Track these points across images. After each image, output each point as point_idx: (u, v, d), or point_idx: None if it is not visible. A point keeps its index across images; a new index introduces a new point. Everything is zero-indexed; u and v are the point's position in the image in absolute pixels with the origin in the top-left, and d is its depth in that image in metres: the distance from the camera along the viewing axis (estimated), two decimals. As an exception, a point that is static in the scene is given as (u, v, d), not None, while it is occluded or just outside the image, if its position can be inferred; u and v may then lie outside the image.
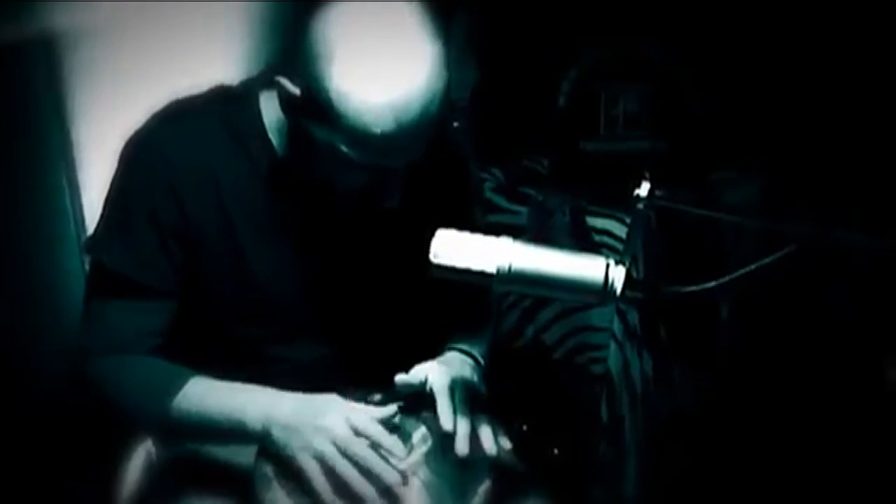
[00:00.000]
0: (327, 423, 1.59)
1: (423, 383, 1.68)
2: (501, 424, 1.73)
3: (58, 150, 2.20)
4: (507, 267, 1.44)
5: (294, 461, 1.59)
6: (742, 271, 1.41)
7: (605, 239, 2.68)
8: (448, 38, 1.60)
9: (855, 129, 2.77)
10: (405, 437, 1.65)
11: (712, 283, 1.42)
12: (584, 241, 2.67)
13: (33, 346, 2.18)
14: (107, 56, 2.23)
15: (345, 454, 1.57)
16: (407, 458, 1.62)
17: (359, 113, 1.51)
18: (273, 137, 1.73)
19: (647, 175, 1.51)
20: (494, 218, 2.71)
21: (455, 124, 2.46)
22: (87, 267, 1.83)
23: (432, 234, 1.47)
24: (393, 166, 1.61)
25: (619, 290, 1.42)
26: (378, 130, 1.52)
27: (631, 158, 2.93)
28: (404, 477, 1.59)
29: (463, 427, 1.62)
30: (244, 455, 1.68)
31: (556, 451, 2.18)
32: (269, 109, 1.71)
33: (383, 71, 1.52)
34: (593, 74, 2.95)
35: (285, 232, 1.77)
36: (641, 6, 2.88)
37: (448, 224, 1.49)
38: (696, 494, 2.59)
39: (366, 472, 1.57)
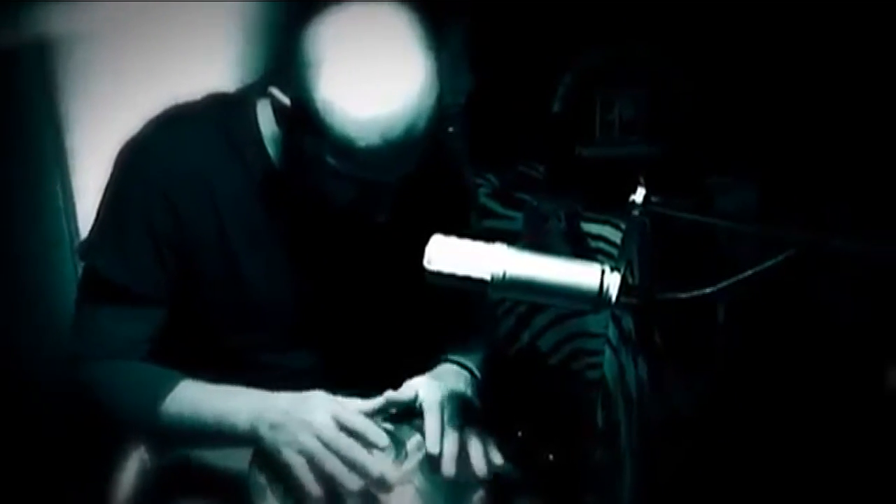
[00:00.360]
0: (312, 419, 1.58)
1: (414, 400, 1.68)
2: (495, 434, 1.72)
3: (52, 155, 2.20)
4: (501, 273, 1.43)
5: (281, 457, 1.58)
6: (739, 277, 1.41)
7: (601, 244, 2.68)
8: (442, 45, 1.59)
9: (850, 133, 2.77)
10: (399, 445, 1.64)
11: (709, 289, 1.42)
12: (579, 247, 2.67)
13: (27, 351, 2.17)
14: (102, 61, 2.23)
15: (329, 448, 1.56)
16: (402, 465, 1.62)
17: (343, 125, 1.51)
18: (269, 146, 1.72)
19: (643, 180, 1.50)
20: (489, 223, 2.71)
21: (450, 129, 2.45)
22: (80, 271, 1.82)
23: (426, 242, 1.46)
24: (381, 180, 1.60)
25: (614, 297, 1.42)
26: (363, 144, 1.51)
27: (626, 164, 2.93)
28: (388, 476, 1.58)
29: (450, 447, 1.62)
30: (237, 461, 1.67)
31: (551, 456, 2.17)
32: (266, 118, 1.70)
33: (372, 85, 1.51)
34: (589, 79, 2.94)
35: (279, 240, 1.76)
36: (637, 11, 2.88)
37: (442, 230, 1.48)
38: (691, 499, 2.59)
39: (351, 465, 1.56)
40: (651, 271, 2.37)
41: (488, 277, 1.44)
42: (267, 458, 1.61)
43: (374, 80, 1.51)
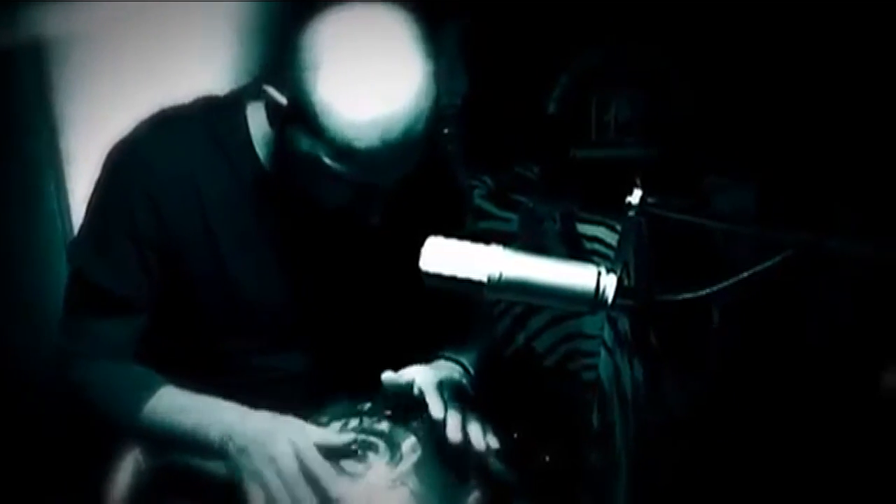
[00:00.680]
0: (277, 453, 1.57)
1: (411, 385, 1.68)
2: (491, 428, 1.72)
3: (47, 156, 2.20)
4: (497, 275, 1.43)
5: (242, 482, 1.58)
6: (736, 278, 1.41)
7: (596, 246, 2.68)
8: (439, 46, 1.59)
9: (847, 133, 2.77)
10: (394, 447, 1.64)
11: (706, 291, 1.42)
12: (574, 249, 2.67)
13: (21, 350, 2.17)
14: (98, 62, 2.23)
15: (286, 487, 1.56)
16: (397, 467, 1.61)
17: (342, 127, 1.51)
18: (259, 148, 1.72)
19: (639, 182, 1.50)
20: (484, 225, 2.71)
21: (445, 131, 2.45)
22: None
23: (420, 243, 1.46)
24: (378, 183, 1.60)
25: (610, 299, 1.42)
26: (361, 145, 1.51)
27: (622, 165, 2.93)
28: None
29: (454, 415, 1.62)
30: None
31: (546, 458, 2.17)
32: (256, 120, 1.70)
33: (370, 87, 1.51)
34: (584, 81, 2.94)
35: (268, 242, 1.76)
36: (633, 12, 2.87)
37: (436, 232, 1.48)
38: (687, 501, 2.59)
39: None
40: (648, 273, 2.37)
41: (485, 279, 1.43)
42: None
43: (372, 82, 1.51)
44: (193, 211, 1.71)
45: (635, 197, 1.49)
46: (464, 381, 1.79)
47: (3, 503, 2.21)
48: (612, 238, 2.67)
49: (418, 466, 1.62)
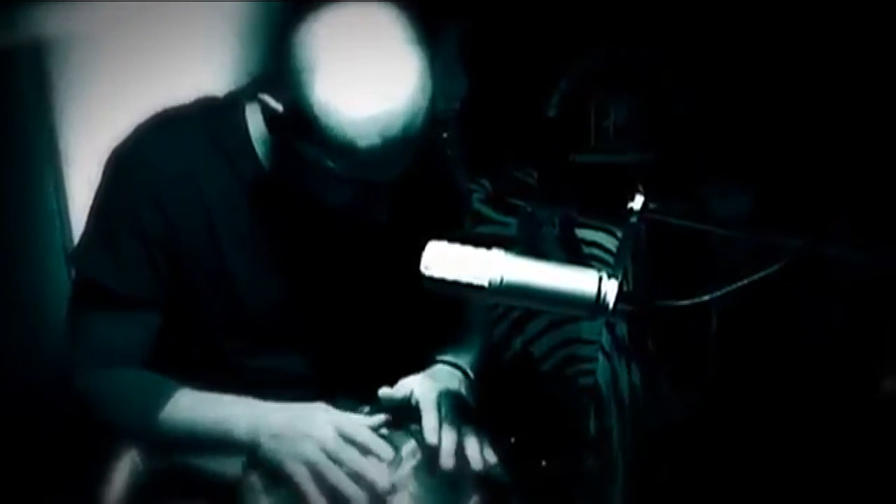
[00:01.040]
0: (316, 431, 1.58)
1: (408, 398, 1.68)
2: (489, 437, 1.72)
3: (46, 157, 2.19)
4: (498, 279, 1.43)
5: (283, 469, 1.58)
6: (737, 284, 1.41)
7: (595, 251, 2.68)
8: (437, 49, 1.59)
9: (845, 139, 2.77)
10: (394, 451, 1.64)
11: (706, 297, 1.42)
12: (573, 253, 2.67)
13: (20, 353, 2.17)
14: (97, 63, 2.22)
15: (335, 460, 1.56)
16: (396, 471, 1.61)
17: (342, 126, 1.51)
18: (259, 149, 1.72)
19: (641, 187, 1.50)
20: (483, 229, 2.71)
21: (444, 135, 2.45)
22: (72, 276, 1.82)
23: (419, 245, 1.46)
24: (379, 180, 1.60)
25: (611, 304, 1.41)
26: (361, 144, 1.51)
27: (621, 170, 2.93)
28: (394, 485, 1.57)
29: (448, 440, 1.62)
30: (231, 466, 1.66)
31: (544, 463, 2.17)
32: (255, 121, 1.71)
33: (368, 85, 1.51)
34: (584, 86, 2.94)
35: (270, 244, 1.76)
36: (632, 18, 2.88)
37: (436, 234, 1.48)
38: (683, 507, 2.59)
39: (356, 478, 1.55)
40: (648, 278, 2.38)
41: (486, 284, 1.43)
42: (263, 465, 1.60)
43: (370, 80, 1.52)
44: (196, 211, 1.71)
45: (637, 202, 1.49)
46: (463, 388, 1.78)
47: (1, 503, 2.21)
48: (611, 243, 2.67)
49: (418, 470, 1.62)
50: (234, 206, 1.73)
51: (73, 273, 1.81)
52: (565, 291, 1.43)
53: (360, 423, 1.63)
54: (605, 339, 2.62)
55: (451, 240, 1.48)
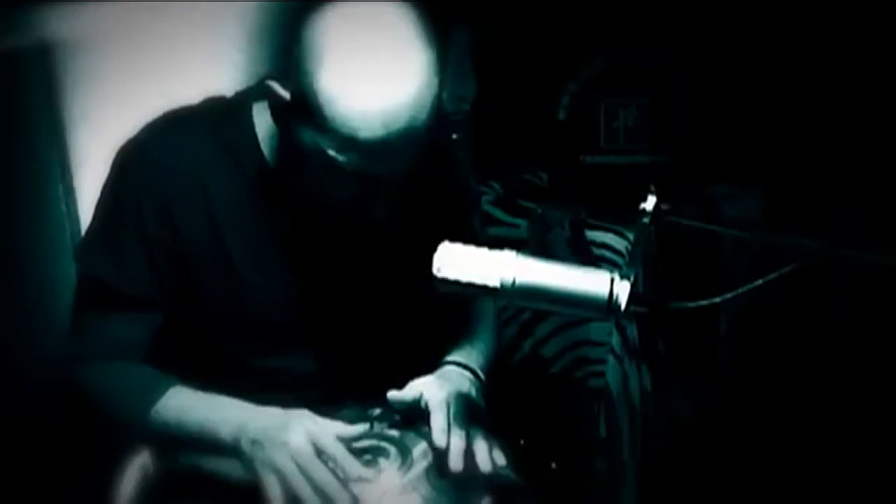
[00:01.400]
0: (290, 440, 1.58)
1: (418, 399, 1.68)
2: (499, 439, 1.72)
3: (54, 158, 2.19)
4: (510, 281, 1.43)
5: (258, 475, 1.58)
6: (749, 286, 1.40)
7: (605, 253, 2.68)
8: (447, 51, 1.59)
9: (857, 140, 2.77)
10: (405, 452, 1.64)
11: (718, 298, 1.41)
12: (583, 255, 2.67)
13: (29, 351, 2.17)
14: (104, 64, 2.23)
15: (302, 471, 1.56)
16: (407, 473, 1.61)
17: (347, 117, 1.51)
18: (264, 148, 1.73)
19: (653, 189, 1.49)
20: (494, 231, 2.71)
21: (454, 136, 2.45)
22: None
23: (427, 246, 1.46)
24: (382, 174, 1.60)
25: (623, 305, 1.41)
26: (366, 135, 1.51)
27: (631, 172, 2.93)
28: (355, 500, 1.56)
29: (457, 442, 1.62)
30: (239, 468, 1.65)
31: (554, 465, 2.16)
32: (262, 120, 1.71)
33: (373, 76, 1.51)
34: (593, 87, 2.94)
35: (276, 243, 1.76)
36: (642, 20, 2.87)
37: (443, 234, 1.48)
38: (693, 510, 2.59)
39: (320, 492, 1.55)
40: (659, 280, 2.37)
41: (498, 285, 1.43)
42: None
43: (375, 72, 1.52)
44: (201, 210, 1.71)
45: (649, 203, 1.49)
46: (472, 390, 1.78)
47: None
48: (621, 244, 2.66)
49: (429, 472, 1.62)
50: (239, 206, 1.73)
51: (78, 270, 1.82)
52: (577, 292, 1.42)
53: (336, 435, 1.61)
54: (615, 341, 2.61)
55: (458, 239, 1.47)
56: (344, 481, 1.56)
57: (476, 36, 2.95)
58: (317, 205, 1.66)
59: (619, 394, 2.62)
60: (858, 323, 2.70)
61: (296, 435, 1.58)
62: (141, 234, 1.69)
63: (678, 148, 2.94)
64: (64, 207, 2.20)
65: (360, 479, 1.58)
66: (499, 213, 2.80)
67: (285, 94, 1.57)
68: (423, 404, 1.66)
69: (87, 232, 1.78)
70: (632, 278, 1.42)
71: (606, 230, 2.70)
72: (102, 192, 1.75)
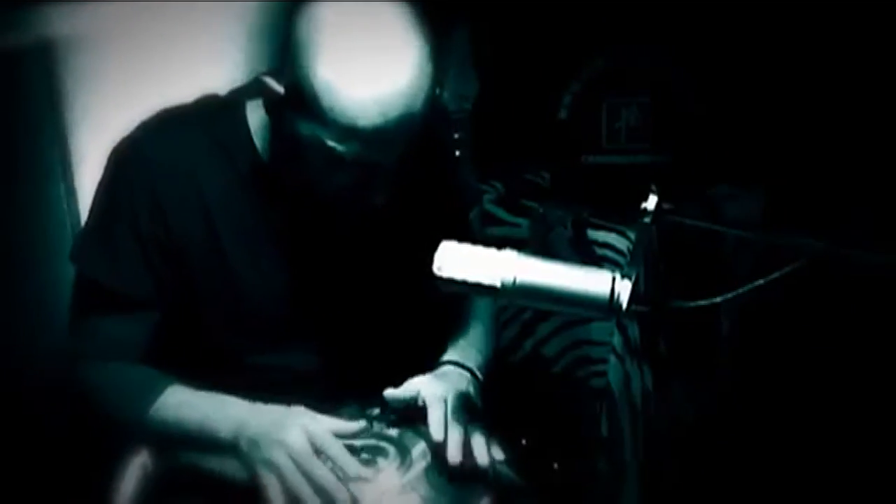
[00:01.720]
0: (287, 437, 1.58)
1: (415, 398, 1.68)
2: (500, 438, 1.72)
3: (55, 157, 2.19)
4: (511, 280, 1.43)
5: (256, 474, 1.59)
6: (750, 286, 1.40)
7: (607, 252, 2.68)
8: (444, 43, 1.59)
9: (858, 140, 2.76)
10: (404, 452, 1.64)
11: (719, 298, 1.41)
12: (585, 255, 2.66)
13: (29, 351, 2.17)
14: (105, 63, 2.22)
15: (300, 470, 1.56)
16: (407, 473, 1.61)
17: (343, 106, 1.52)
18: (258, 144, 1.73)
19: (655, 188, 1.49)
20: (495, 230, 2.71)
21: (456, 135, 2.45)
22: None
23: (426, 244, 1.47)
24: (379, 161, 1.60)
25: (625, 305, 1.41)
26: (363, 124, 1.52)
27: (633, 172, 2.93)
28: (354, 498, 1.56)
29: (454, 436, 1.62)
30: (240, 468, 1.65)
31: (555, 465, 2.16)
32: (255, 117, 1.72)
33: (369, 65, 1.52)
34: (595, 87, 2.94)
35: (272, 239, 1.77)
36: (644, 19, 2.87)
37: (441, 230, 1.49)
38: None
39: (318, 490, 1.55)
40: (661, 279, 2.37)
41: (498, 284, 1.43)
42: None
43: (371, 60, 1.53)
44: (195, 208, 1.72)
45: (651, 203, 1.49)
46: (471, 389, 1.78)
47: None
48: (622, 244, 2.66)
49: (428, 471, 1.62)
50: (234, 202, 1.74)
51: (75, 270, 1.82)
52: (579, 292, 1.42)
53: (335, 432, 1.61)
54: (616, 340, 2.61)
55: (457, 236, 1.48)
56: (343, 480, 1.56)
57: (477, 35, 2.95)
58: (313, 199, 1.66)
59: (620, 393, 2.62)
60: (859, 323, 2.69)
61: (294, 434, 1.58)
62: (135, 232, 1.70)
63: (680, 148, 2.94)
64: (65, 206, 2.19)
65: (359, 479, 1.58)
66: (500, 213, 2.80)
67: (279, 89, 1.58)
68: (420, 402, 1.66)
69: (83, 231, 1.80)
70: (633, 278, 1.42)
71: (608, 230, 2.70)
72: (97, 192, 1.76)
